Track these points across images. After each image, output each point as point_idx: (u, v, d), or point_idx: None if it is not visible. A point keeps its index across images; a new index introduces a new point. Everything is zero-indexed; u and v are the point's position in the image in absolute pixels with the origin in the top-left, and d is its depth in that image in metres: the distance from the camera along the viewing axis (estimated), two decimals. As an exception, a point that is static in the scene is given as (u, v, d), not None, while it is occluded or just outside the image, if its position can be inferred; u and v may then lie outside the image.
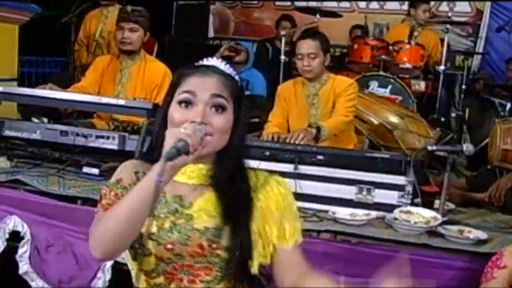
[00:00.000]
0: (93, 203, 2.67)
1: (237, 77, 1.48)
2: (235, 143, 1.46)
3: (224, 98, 1.42)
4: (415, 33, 5.49)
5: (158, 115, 1.48)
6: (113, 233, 1.29)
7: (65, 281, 2.81)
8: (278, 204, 1.47)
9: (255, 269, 1.42)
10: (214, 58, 1.49)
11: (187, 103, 1.41)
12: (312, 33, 3.92)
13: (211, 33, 7.70)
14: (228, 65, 1.48)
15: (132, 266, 1.53)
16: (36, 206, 2.83)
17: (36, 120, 3.41)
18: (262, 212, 1.45)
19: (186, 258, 1.39)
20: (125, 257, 2.17)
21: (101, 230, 1.30)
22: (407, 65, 5.15)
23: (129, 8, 3.67)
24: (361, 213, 2.62)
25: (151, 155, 1.44)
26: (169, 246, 1.38)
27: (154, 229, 1.38)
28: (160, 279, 1.41)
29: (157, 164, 1.27)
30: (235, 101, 1.45)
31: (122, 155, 2.82)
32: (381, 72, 5.01)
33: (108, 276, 2.78)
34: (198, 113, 1.38)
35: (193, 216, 1.40)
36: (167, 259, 1.40)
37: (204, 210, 1.41)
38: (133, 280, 1.49)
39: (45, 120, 3.41)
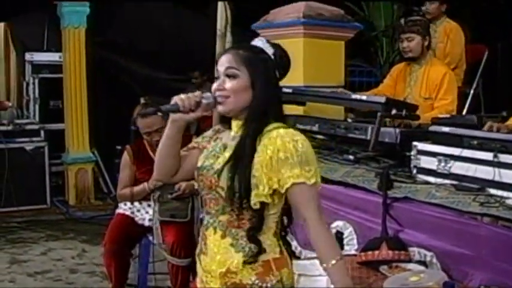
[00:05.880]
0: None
1: (258, 47, 1.89)
2: (258, 98, 1.84)
3: (234, 68, 1.84)
4: None
5: None
6: (158, 158, 1.95)
7: (307, 244, 3.43)
8: (274, 155, 1.76)
9: (256, 205, 1.78)
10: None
11: (217, 77, 1.89)
12: None
13: None
14: (261, 41, 1.91)
15: None
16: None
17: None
18: (261, 160, 1.77)
19: (205, 189, 1.88)
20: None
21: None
22: None
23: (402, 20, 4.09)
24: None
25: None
26: (200, 177, 1.90)
27: (199, 163, 1.92)
28: (203, 202, 1.93)
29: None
30: (249, 68, 1.84)
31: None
32: None
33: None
34: (218, 82, 1.87)
35: (218, 158, 1.87)
36: (201, 187, 1.91)
37: (226, 155, 1.86)
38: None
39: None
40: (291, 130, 1.83)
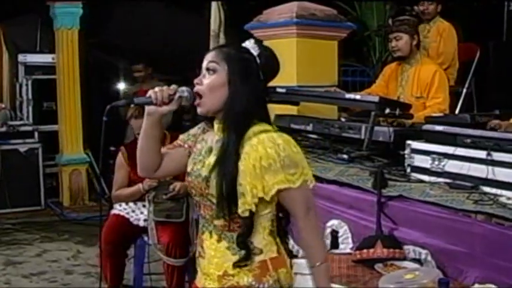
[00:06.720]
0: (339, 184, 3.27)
1: (245, 47, 1.88)
2: (234, 96, 1.81)
3: (215, 62, 1.83)
4: None
5: None
6: (138, 153, 1.96)
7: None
8: (257, 162, 1.74)
9: (244, 213, 1.76)
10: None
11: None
12: None
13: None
14: (251, 42, 1.90)
15: None
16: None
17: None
18: (244, 169, 1.75)
19: (197, 195, 1.87)
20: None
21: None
22: None
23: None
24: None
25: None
26: (191, 184, 1.89)
27: (189, 169, 1.91)
28: (196, 205, 1.93)
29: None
30: (229, 64, 1.83)
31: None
32: None
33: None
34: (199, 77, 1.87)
35: (204, 164, 1.86)
36: (192, 193, 1.91)
37: (211, 160, 1.84)
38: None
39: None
40: (272, 134, 1.79)
